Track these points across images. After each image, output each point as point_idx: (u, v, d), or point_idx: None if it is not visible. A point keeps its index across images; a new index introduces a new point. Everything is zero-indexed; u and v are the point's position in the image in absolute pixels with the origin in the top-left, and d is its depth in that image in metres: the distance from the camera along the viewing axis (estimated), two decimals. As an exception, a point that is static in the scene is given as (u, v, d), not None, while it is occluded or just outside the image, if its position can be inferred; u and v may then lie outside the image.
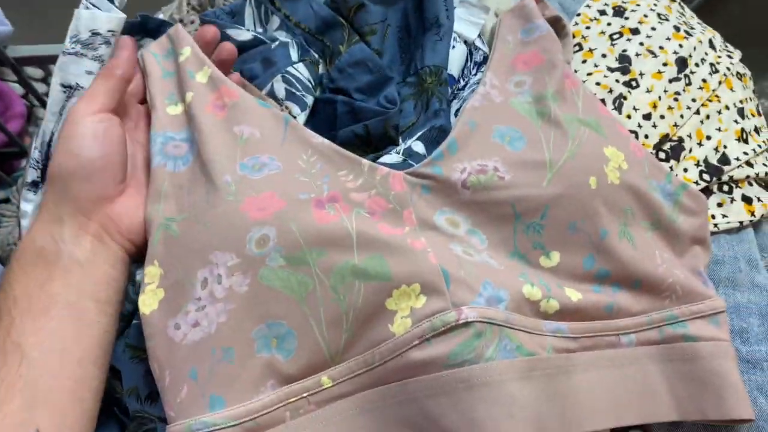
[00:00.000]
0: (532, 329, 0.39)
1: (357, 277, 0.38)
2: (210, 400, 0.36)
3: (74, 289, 0.39)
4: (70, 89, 0.47)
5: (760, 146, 0.56)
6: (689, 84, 0.56)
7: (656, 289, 0.44)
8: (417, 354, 0.36)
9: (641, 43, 0.57)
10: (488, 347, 0.37)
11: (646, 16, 0.60)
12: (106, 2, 0.46)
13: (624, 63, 0.56)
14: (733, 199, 0.54)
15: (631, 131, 0.52)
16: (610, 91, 0.54)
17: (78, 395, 0.37)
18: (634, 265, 0.43)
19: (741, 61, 0.62)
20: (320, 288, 0.38)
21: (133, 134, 0.45)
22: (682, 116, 0.54)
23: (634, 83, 0.54)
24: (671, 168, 0.52)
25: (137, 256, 0.43)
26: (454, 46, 0.53)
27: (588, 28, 0.60)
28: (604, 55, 0.57)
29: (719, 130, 0.55)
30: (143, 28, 0.50)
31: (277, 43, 0.51)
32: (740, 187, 0.55)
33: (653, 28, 0.58)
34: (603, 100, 0.53)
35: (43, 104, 0.72)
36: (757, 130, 0.58)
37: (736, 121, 0.56)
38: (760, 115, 0.60)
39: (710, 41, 0.60)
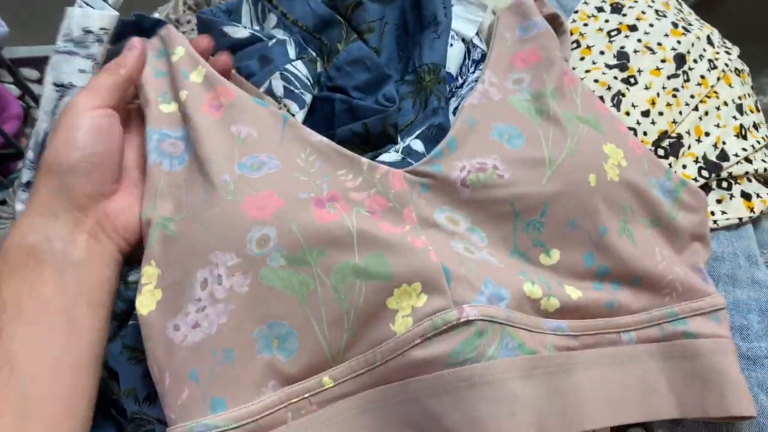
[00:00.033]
0: (533, 327, 0.39)
1: (358, 277, 0.37)
2: (211, 401, 0.36)
3: (68, 292, 0.37)
4: (63, 88, 0.46)
5: (759, 142, 0.56)
6: (687, 80, 0.56)
7: (656, 286, 0.44)
8: (418, 353, 0.36)
9: (639, 40, 0.57)
10: (490, 346, 0.37)
11: (643, 12, 0.60)
12: (100, 1, 0.46)
13: (622, 60, 0.56)
14: (732, 196, 0.54)
15: (630, 128, 0.52)
16: (609, 88, 0.54)
17: (71, 406, 0.36)
18: (634, 262, 0.43)
19: (739, 57, 0.62)
20: (321, 288, 0.37)
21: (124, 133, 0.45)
22: (680, 113, 0.54)
23: (632, 80, 0.54)
24: (670, 165, 0.52)
25: (130, 256, 0.42)
26: (452, 44, 0.53)
27: (586, 25, 0.60)
28: (602, 52, 0.57)
29: (718, 126, 0.55)
30: (138, 27, 0.50)
31: (274, 40, 0.50)
32: (739, 184, 0.55)
33: (651, 25, 0.58)
34: (601, 97, 0.53)
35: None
36: (755, 126, 0.58)
37: (734, 117, 0.56)
38: (758, 111, 0.60)
39: (708, 37, 0.60)
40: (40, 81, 0.81)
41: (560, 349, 0.40)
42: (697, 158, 0.53)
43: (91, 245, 0.39)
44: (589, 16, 0.60)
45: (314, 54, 0.52)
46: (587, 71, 0.56)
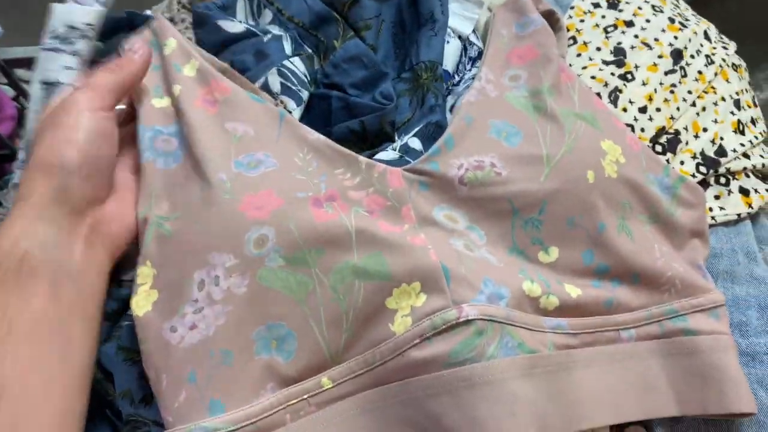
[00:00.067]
0: (533, 326, 0.39)
1: (357, 277, 0.37)
2: (209, 404, 0.36)
3: (62, 306, 0.35)
4: (50, 86, 0.46)
5: (756, 137, 0.56)
6: (685, 76, 0.56)
7: (655, 283, 0.44)
8: (418, 353, 0.36)
9: (636, 36, 0.57)
10: (490, 345, 0.36)
11: (640, 8, 0.59)
12: None
13: (619, 56, 0.56)
14: (730, 191, 0.54)
15: (627, 125, 0.52)
16: (606, 84, 0.54)
17: (63, 426, 0.34)
18: (633, 259, 0.43)
19: (736, 53, 0.62)
20: (320, 288, 0.37)
21: None
22: (678, 108, 0.54)
23: (629, 76, 0.54)
24: (668, 161, 0.52)
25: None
26: (448, 42, 0.53)
27: (582, 21, 0.59)
28: (598, 49, 0.57)
29: (716, 121, 0.55)
30: (130, 24, 0.49)
31: (270, 36, 0.50)
32: (737, 179, 0.55)
33: (648, 21, 0.58)
34: (598, 94, 0.53)
35: (35, 106, 0.71)
36: (753, 121, 0.57)
37: (732, 113, 0.56)
38: (756, 106, 0.60)
39: (705, 33, 0.60)
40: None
41: (560, 348, 0.40)
42: (694, 154, 0.53)
43: (86, 253, 0.37)
44: (585, 12, 0.60)
45: (310, 51, 0.52)
46: (584, 68, 0.55)
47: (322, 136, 0.42)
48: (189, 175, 0.40)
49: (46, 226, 0.36)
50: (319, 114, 0.49)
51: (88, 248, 0.38)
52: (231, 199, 0.38)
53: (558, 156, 0.42)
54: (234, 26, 0.50)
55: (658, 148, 0.53)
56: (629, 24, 0.58)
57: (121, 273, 0.43)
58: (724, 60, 0.59)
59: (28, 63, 0.74)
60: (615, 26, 0.58)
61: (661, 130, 0.53)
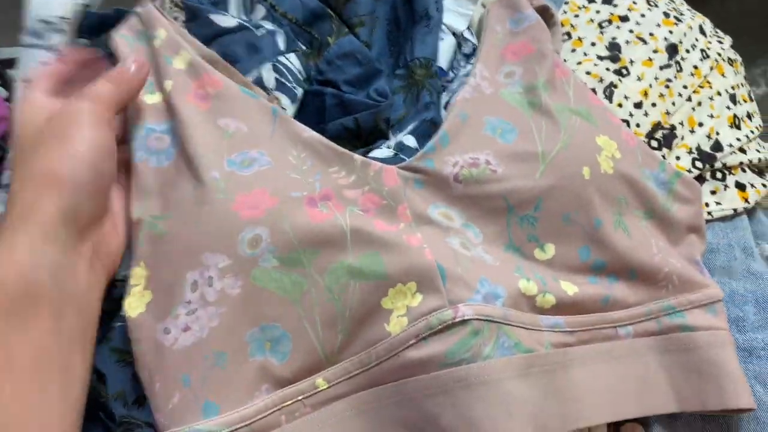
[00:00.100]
0: (530, 325, 0.39)
1: (352, 277, 0.37)
2: (203, 406, 0.35)
3: (64, 340, 0.33)
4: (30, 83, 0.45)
5: (752, 132, 0.56)
6: (680, 71, 0.55)
7: (652, 279, 0.44)
8: (413, 353, 0.36)
9: (631, 31, 0.57)
10: (486, 345, 0.36)
11: (635, 2, 0.59)
12: None
13: (614, 51, 0.55)
14: (726, 186, 0.54)
15: (623, 120, 0.52)
16: (601, 80, 0.54)
17: None
18: (630, 254, 0.43)
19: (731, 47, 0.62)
20: (315, 288, 0.37)
21: None
22: (673, 103, 0.54)
23: (624, 71, 0.54)
24: (663, 156, 0.52)
25: None
26: (442, 38, 0.52)
27: (576, 16, 0.59)
28: (593, 44, 0.56)
29: (711, 116, 0.55)
30: (118, 21, 0.49)
31: (264, 31, 0.50)
32: (733, 174, 0.55)
33: (642, 15, 0.58)
34: (593, 89, 0.53)
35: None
36: (749, 115, 0.57)
37: (728, 107, 0.56)
38: (752, 100, 0.60)
39: (700, 27, 0.60)
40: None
41: (557, 346, 0.40)
42: (690, 149, 0.53)
43: (89, 276, 0.36)
44: (579, 8, 0.60)
45: (304, 47, 0.52)
46: (579, 63, 0.55)
47: (316, 134, 0.42)
48: (181, 173, 0.40)
49: (54, 248, 0.33)
50: (312, 111, 0.49)
51: (91, 271, 0.36)
52: (224, 199, 0.37)
53: (553, 152, 0.42)
54: (226, 20, 0.49)
55: (654, 143, 0.53)
56: (624, 19, 0.58)
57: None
58: (719, 54, 0.58)
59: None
60: (610, 21, 0.58)
61: (657, 126, 0.53)
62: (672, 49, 0.56)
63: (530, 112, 0.44)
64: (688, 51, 0.57)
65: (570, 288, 0.41)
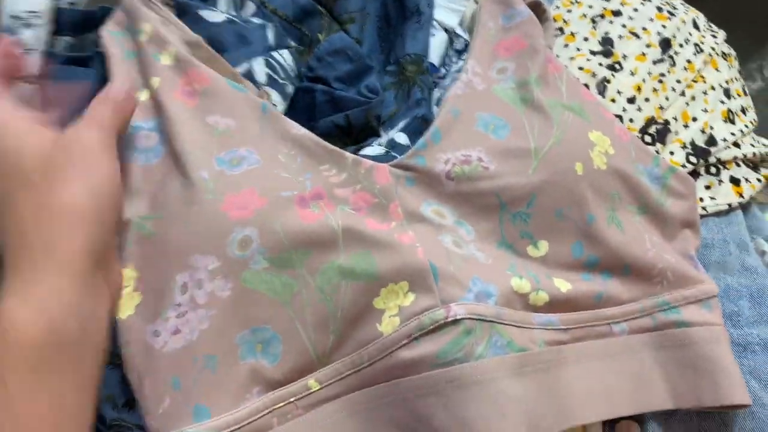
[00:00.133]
0: (523, 323, 0.39)
1: (344, 277, 0.37)
2: (194, 409, 0.35)
3: (83, 396, 0.32)
4: None
5: (747, 126, 0.55)
6: (674, 65, 0.55)
7: (647, 275, 0.44)
8: (405, 353, 0.36)
9: (624, 25, 0.56)
10: (478, 345, 0.36)
11: (628, -4, 0.59)
12: None
13: (607, 46, 0.55)
14: (720, 181, 0.54)
15: (616, 115, 0.51)
16: (594, 75, 0.53)
17: None
18: (624, 250, 0.43)
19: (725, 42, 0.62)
20: (306, 289, 0.36)
21: None
22: (667, 98, 0.53)
23: (617, 66, 0.54)
24: (657, 152, 0.52)
25: None
26: (434, 34, 0.52)
27: (569, 11, 0.59)
28: (586, 39, 0.56)
29: (705, 111, 0.55)
30: (103, 19, 0.48)
31: (253, 25, 0.49)
32: (728, 169, 0.54)
33: (635, 10, 0.58)
34: (586, 85, 0.52)
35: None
36: (743, 110, 0.57)
37: (722, 102, 0.56)
38: (746, 95, 0.59)
39: (694, 21, 0.59)
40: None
41: (550, 344, 0.39)
42: (684, 144, 0.53)
43: (105, 313, 0.34)
44: (572, 3, 0.59)
45: (295, 44, 0.51)
46: (571, 58, 0.55)
47: (306, 131, 0.41)
48: (170, 172, 0.39)
49: (82, 291, 0.32)
50: (303, 108, 0.48)
51: (104, 304, 0.35)
52: (213, 199, 0.37)
53: (546, 148, 0.42)
54: (215, 16, 0.49)
55: (648, 138, 0.52)
56: (617, 13, 0.57)
57: None
58: (713, 49, 0.58)
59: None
60: (602, 16, 0.58)
61: (650, 120, 0.52)
62: (665, 44, 0.55)
63: (522, 108, 0.44)
64: (681, 45, 0.56)
65: (563, 285, 0.41)
